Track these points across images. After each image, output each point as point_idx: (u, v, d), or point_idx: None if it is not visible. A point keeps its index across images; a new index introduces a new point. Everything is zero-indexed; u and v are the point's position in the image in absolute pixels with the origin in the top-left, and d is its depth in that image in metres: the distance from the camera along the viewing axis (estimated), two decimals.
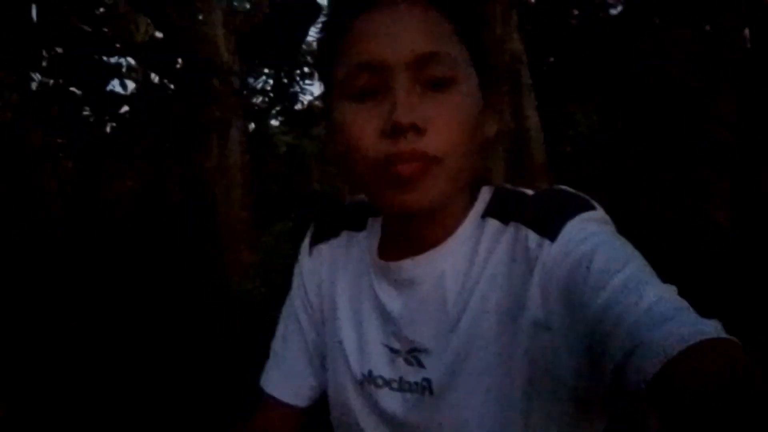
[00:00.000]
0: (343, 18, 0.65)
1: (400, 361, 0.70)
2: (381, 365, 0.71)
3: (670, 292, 0.52)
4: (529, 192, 0.69)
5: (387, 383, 0.70)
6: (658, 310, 0.49)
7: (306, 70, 11.37)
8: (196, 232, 4.68)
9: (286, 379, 0.83)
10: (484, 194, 0.72)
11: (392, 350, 0.71)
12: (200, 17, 4.28)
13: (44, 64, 9.94)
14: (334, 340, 0.78)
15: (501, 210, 0.68)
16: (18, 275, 5.31)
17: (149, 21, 7.12)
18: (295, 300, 0.84)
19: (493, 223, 0.67)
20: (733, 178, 4.33)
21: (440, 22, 0.63)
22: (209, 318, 3.29)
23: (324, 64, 0.69)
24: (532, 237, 0.63)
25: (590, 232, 0.60)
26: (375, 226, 0.78)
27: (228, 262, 3.80)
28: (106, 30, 9.27)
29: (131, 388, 2.94)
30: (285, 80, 10.93)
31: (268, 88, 11.79)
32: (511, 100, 3.96)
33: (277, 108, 11.78)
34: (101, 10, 8.94)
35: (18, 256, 6.04)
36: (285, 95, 11.17)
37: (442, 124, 0.61)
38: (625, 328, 0.50)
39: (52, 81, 11.05)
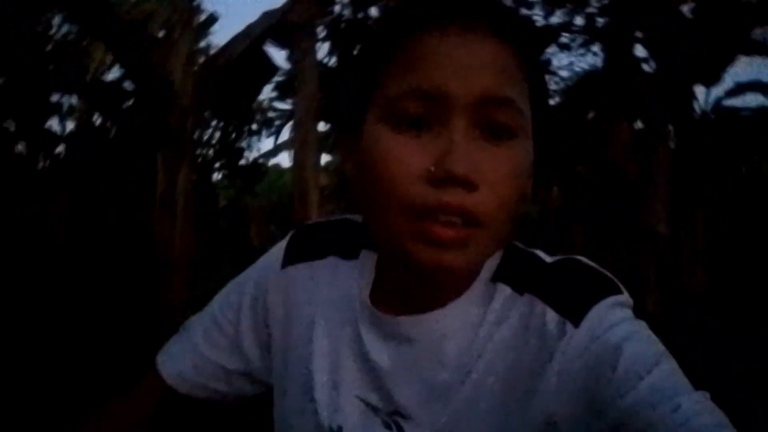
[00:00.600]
0: (402, 32, 0.54)
1: (378, 422, 0.61)
2: (354, 423, 0.61)
3: (706, 401, 0.48)
4: (546, 258, 0.62)
5: None
6: (700, 423, 0.45)
7: (254, 127, 11.39)
8: (135, 263, 4.46)
9: (181, 361, 0.73)
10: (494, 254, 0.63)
11: (370, 406, 0.62)
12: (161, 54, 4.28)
13: None
14: (298, 377, 0.66)
15: (514, 275, 0.60)
16: None
17: (101, 59, 7.01)
18: (243, 306, 0.71)
19: (504, 290, 0.60)
20: (661, 266, 4.55)
21: (514, 64, 0.54)
22: (137, 340, 3.10)
23: (364, 81, 0.57)
24: (551, 316, 0.55)
25: (617, 320, 0.54)
26: (369, 261, 0.66)
27: (166, 297, 3.65)
28: (52, 67, 9.06)
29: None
30: (233, 134, 10.91)
31: (213, 141, 11.72)
32: None
33: (222, 161, 11.68)
34: (49, 47, 8.76)
35: None
36: (231, 149, 11.10)
37: (496, 183, 0.52)
38: None
39: None
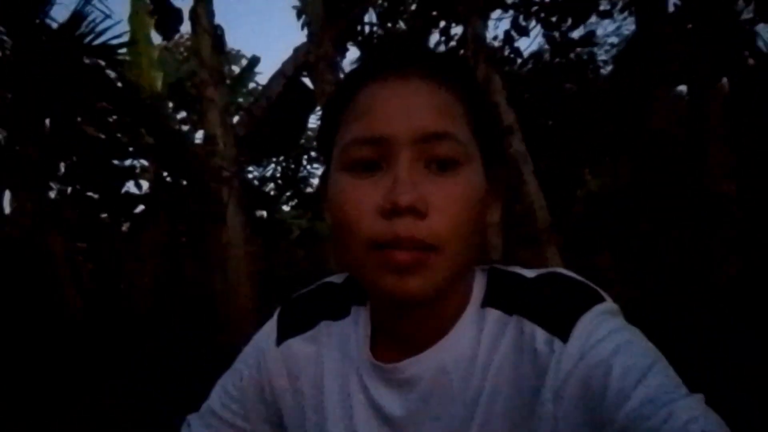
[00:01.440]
0: (348, 88, 0.61)
1: None
2: None
3: (701, 405, 0.49)
4: (527, 274, 0.63)
5: None
6: (695, 430, 0.46)
7: (312, 154, 11.67)
8: (209, 321, 4.67)
9: None
10: (479, 278, 0.66)
11: None
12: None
13: (61, 172, 10.34)
14: None
15: (501, 298, 0.62)
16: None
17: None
18: (246, 393, 0.74)
19: (494, 314, 0.62)
20: (738, 229, 4.28)
21: (451, 101, 0.59)
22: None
23: (325, 135, 0.64)
24: (540, 335, 0.57)
25: (605, 333, 0.55)
26: (361, 315, 0.70)
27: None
28: (119, 135, 9.68)
29: None
30: (292, 166, 11.22)
31: (278, 175, 12.10)
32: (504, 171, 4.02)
33: (288, 194, 12.03)
34: (113, 117, 9.36)
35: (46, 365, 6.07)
36: (294, 181, 11.42)
37: (444, 209, 0.56)
38: None
39: (69, 188, 11.46)
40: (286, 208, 12.46)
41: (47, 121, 8.53)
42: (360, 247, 0.57)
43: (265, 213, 10.87)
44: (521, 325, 0.59)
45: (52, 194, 11.69)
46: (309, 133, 10.42)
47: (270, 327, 0.76)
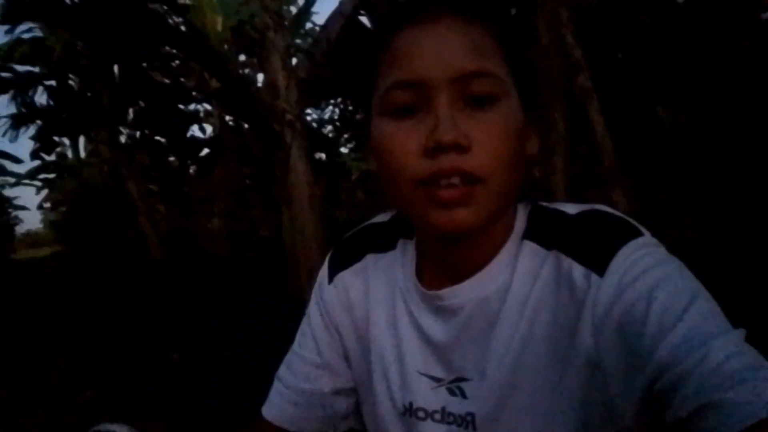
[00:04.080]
0: (382, 34, 0.62)
1: (443, 390, 0.66)
2: (423, 396, 0.67)
3: (739, 342, 0.48)
4: (569, 211, 0.64)
5: (429, 415, 0.66)
6: (731, 368, 0.46)
7: None
8: (277, 263, 4.83)
9: (283, 404, 0.79)
10: (521, 214, 0.67)
11: (435, 379, 0.67)
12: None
13: (130, 118, 10.73)
14: (371, 371, 0.73)
15: (540, 233, 0.63)
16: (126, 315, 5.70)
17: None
18: (316, 333, 0.78)
19: (532, 248, 0.63)
20: None
21: (484, 38, 0.59)
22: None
23: (363, 81, 0.65)
24: (577, 269, 0.58)
25: (644, 266, 0.55)
26: (408, 248, 0.73)
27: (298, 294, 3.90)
28: (183, 80, 9.88)
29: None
30: (351, 108, 11.20)
31: (336, 117, 12.13)
32: (567, 109, 3.86)
33: (346, 136, 12.07)
34: (176, 62, 9.54)
35: (126, 300, 6.50)
36: (353, 123, 11.42)
37: (486, 142, 0.57)
38: (693, 386, 0.46)
39: (138, 133, 11.89)
40: (344, 150, 12.53)
41: (116, 68, 8.80)
42: (407, 185, 0.59)
43: (324, 156, 10.98)
44: (559, 259, 0.60)
45: (123, 138, 12.24)
46: None
47: (324, 266, 0.81)
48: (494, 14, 0.62)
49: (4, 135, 9.85)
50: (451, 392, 0.66)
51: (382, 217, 0.79)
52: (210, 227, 11.31)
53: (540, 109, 0.67)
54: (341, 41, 4.90)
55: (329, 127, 12.13)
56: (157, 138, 11.76)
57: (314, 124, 11.58)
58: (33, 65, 10.31)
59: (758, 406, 0.43)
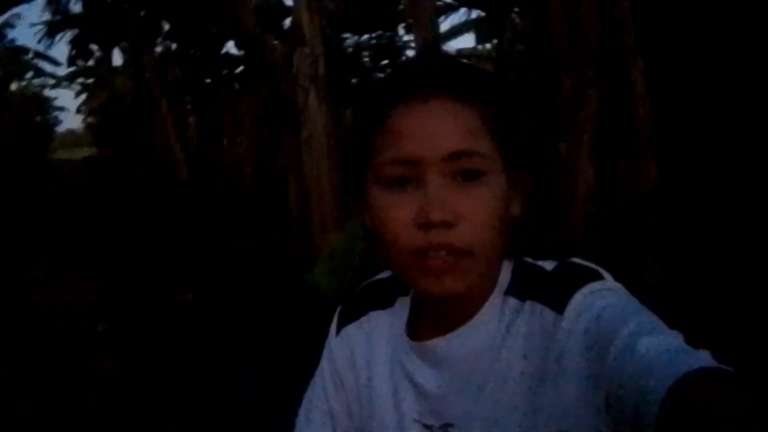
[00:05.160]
0: (378, 114, 0.68)
1: None
2: None
3: (670, 338, 0.54)
4: (547, 267, 0.71)
5: None
6: (654, 355, 0.51)
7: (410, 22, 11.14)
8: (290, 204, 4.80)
9: None
10: (505, 269, 0.73)
11: (426, 426, 0.73)
12: None
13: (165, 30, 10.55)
14: (373, 419, 0.80)
15: (519, 287, 0.70)
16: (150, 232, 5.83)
17: None
18: (325, 380, 0.86)
19: (511, 301, 0.70)
20: None
21: (472, 118, 0.65)
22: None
23: (359, 155, 0.71)
24: (547, 313, 0.65)
25: (594, 299, 0.62)
26: (404, 303, 0.80)
27: (313, 242, 3.88)
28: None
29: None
30: (388, 34, 10.81)
31: (373, 43, 11.75)
32: (604, 72, 3.62)
33: (384, 62, 11.74)
34: None
35: (152, 215, 6.63)
36: (390, 49, 11.08)
37: (472, 217, 0.63)
38: (625, 385, 0.52)
39: (174, 45, 11.77)
40: (381, 75, 12.21)
41: None
42: (401, 254, 0.64)
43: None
44: (533, 308, 0.67)
45: (158, 49, 12.13)
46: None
47: (333, 320, 0.88)
48: (482, 96, 0.67)
49: (39, 41, 9.82)
50: None
51: (384, 275, 0.85)
52: (236, 153, 11.36)
53: (525, 172, 0.75)
54: None
55: (366, 54, 11.78)
56: (191, 52, 11.64)
57: (350, 50, 11.24)
58: None
59: (681, 367, 0.46)
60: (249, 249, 4.89)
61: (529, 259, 0.74)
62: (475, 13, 10.11)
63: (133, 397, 2.75)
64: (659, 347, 0.52)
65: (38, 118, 23.37)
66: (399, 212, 0.64)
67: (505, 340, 0.69)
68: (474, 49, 15.35)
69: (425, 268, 0.63)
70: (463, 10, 9.79)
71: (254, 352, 2.71)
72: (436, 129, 0.64)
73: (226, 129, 12.20)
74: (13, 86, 19.42)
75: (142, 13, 9.78)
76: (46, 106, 24.25)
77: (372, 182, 0.68)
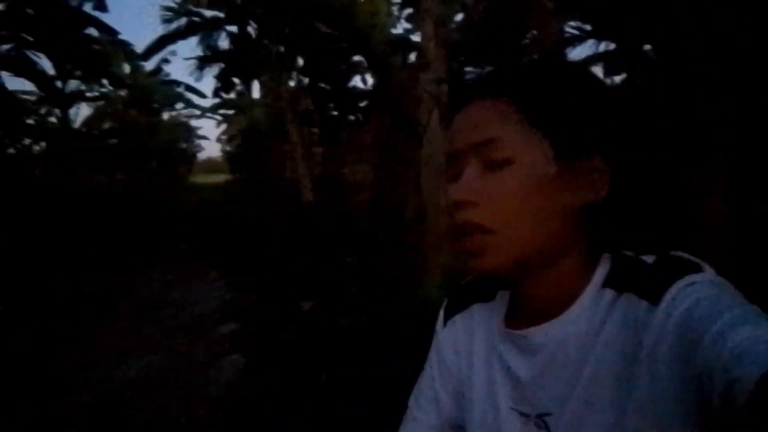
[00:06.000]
0: (450, 118, 0.76)
1: (531, 425, 0.75)
2: (513, 429, 0.76)
3: (761, 330, 0.52)
4: (648, 259, 0.70)
5: None
6: (745, 346, 0.50)
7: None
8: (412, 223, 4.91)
9: None
10: (604, 263, 0.73)
11: (522, 414, 0.75)
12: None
13: (299, 65, 11.29)
14: (473, 408, 0.83)
15: (617, 280, 0.71)
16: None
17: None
18: (432, 368, 0.91)
19: (609, 293, 0.70)
20: None
21: (502, 109, 0.69)
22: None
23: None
24: (642, 305, 0.65)
25: (690, 292, 0.61)
26: (504, 297, 0.84)
27: (427, 258, 3.94)
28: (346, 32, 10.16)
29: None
30: None
31: None
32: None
33: None
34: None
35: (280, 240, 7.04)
36: None
37: (494, 199, 0.67)
38: (715, 377, 0.51)
39: (307, 79, 12.54)
40: None
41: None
42: (453, 240, 0.71)
43: None
44: (629, 300, 0.67)
45: (292, 83, 12.96)
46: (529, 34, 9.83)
47: (440, 312, 0.93)
48: (515, 88, 0.71)
49: (190, 74, 10.92)
50: (537, 426, 0.75)
51: None
52: (357, 177, 11.73)
53: (588, 156, 0.75)
54: (494, 7, 4.73)
55: None
56: (322, 85, 12.32)
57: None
58: (218, 9, 11.21)
59: (758, 370, 0.46)
60: (362, 263, 5.07)
61: (630, 253, 0.75)
62: (603, 45, 9.83)
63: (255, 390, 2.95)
64: (751, 338, 0.51)
65: (183, 145, 25.73)
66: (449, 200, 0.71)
67: (600, 330, 0.70)
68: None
69: (463, 249, 0.69)
70: (591, 41, 9.55)
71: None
72: (468, 123, 0.70)
73: (348, 157, 12.70)
74: (165, 115, 21.56)
75: (280, 49, 10.54)
76: (191, 134, 26.59)
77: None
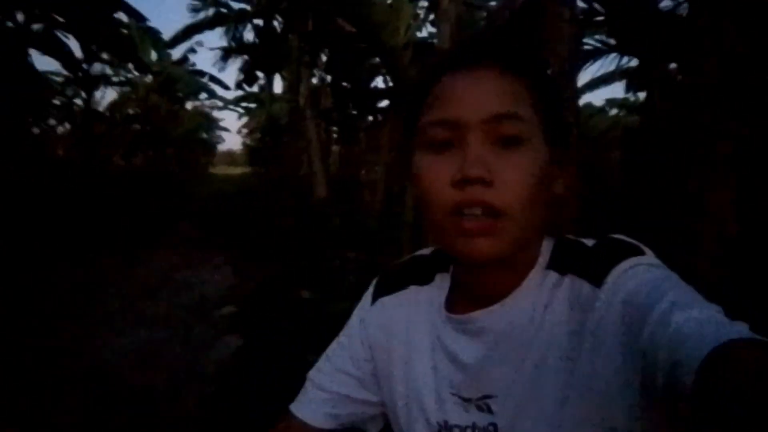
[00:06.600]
0: (428, 80, 0.71)
1: (473, 408, 0.74)
2: (456, 414, 0.75)
3: (706, 311, 0.54)
4: (588, 243, 0.71)
5: (463, 431, 0.74)
6: (691, 327, 0.51)
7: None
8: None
9: (312, 403, 0.87)
10: (546, 246, 0.73)
11: (464, 399, 0.74)
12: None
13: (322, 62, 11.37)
14: (408, 390, 0.81)
15: (560, 262, 0.71)
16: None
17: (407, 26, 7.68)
18: (353, 343, 0.88)
19: (552, 275, 0.70)
20: None
21: (515, 85, 0.66)
22: None
23: (408, 120, 0.75)
24: (586, 287, 0.65)
25: (632, 273, 0.62)
26: (443, 279, 0.81)
27: None
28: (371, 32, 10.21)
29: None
30: None
31: None
32: None
33: None
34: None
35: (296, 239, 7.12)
36: None
37: (509, 179, 0.63)
38: (659, 357, 0.52)
39: (330, 77, 12.59)
40: None
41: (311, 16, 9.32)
42: (439, 213, 0.65)
43: None
44: (572, 282, 0.67)
45: (315, 80, 13.03)
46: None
47: (368, 292, 0.90)
48: (527, 67, 0.68)
49: (214, 65, 11.05)
50: (479, 408, 0.74)
51: (425, 251, 0.87)
52: (371, 177, 11.76)
53: (569, 151, 0.72)
54: (520, 11, 4.75)
55: None
56: (343, 84, 12.37)
57: None
58: (246, 2, 11.35)
59: (718, 337, 0.46)
60: (364, 258, 5.12)
61: (570, 236, 0.75)
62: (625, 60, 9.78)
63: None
64: (695, 319, 0.52)
65: (204, 135, 25.93)
66: (438, 172, 0.65)
67: (545, 313, 0.69)
68: (625, 99, 14.78)
69: (461, 229, 0.63)
70: (613, 55, 9.50)
71: None
72: (480, 93, 0.65)
73: (366, 157, 12.75)
74: (188, 105, 21.75)
75: (303, 45, 10.61)
76: (212, 125, 26.79)
77: (417, 148, 0.69)
